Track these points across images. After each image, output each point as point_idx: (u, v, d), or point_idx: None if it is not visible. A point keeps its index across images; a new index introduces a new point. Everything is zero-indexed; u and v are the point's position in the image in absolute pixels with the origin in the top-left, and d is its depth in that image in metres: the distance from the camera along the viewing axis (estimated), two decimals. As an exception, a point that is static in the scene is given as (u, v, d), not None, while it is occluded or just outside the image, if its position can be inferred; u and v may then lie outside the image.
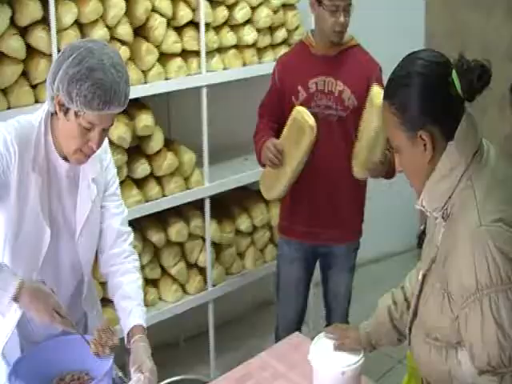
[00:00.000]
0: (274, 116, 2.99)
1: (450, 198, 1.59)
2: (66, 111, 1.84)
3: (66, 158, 1.96)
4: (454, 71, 1.55)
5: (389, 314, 1.99)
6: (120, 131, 2.95)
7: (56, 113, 1.88)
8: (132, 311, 2.09)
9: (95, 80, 1.77)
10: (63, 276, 2.08)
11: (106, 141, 2.07)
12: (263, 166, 2.94)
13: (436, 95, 1.56)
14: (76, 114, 1.82)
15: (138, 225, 3.12)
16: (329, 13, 2.76)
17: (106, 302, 2.95)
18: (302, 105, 2.84)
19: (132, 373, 1.96)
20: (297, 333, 2.49)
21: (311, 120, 2.66)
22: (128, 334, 2.06)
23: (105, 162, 2.11)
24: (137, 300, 2.14)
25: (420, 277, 1.75)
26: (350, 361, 1.99)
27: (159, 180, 3.22)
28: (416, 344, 1.77)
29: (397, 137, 1.62)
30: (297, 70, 2.92)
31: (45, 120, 1.93)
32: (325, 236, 3.03)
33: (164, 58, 3.13)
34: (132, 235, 2.24)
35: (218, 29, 3.32)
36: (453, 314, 1.58)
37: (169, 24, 3.12)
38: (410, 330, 1.81)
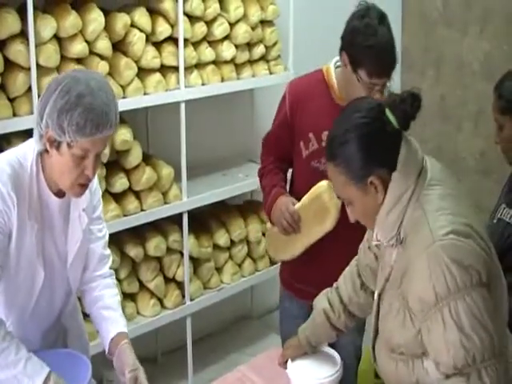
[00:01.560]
0: (283, 153, 2.66)
1: (401, 223, 1.65)
2: (58, 145, 1.83)
3: (57, 194, 1.97)
4: (386, 110, 1.64)
5: (325, 315, 2.09)
6: (98, 145, 2.95)
7: (47, 151, 1.87)
8: (116, 320, 2.12)
9: (85, 105, 1.77)
10: (54, 301, 2.10)
11: None
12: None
13: (375, 141, 1.64)
14: (69, 145, 1.81)
15: (115, 239, 3.11)
16: (362, 84, 2.35)
17: (87, 315, 2.95)
18: (311, 156, 2.54)
19: (127, 374, 1.98)
20: (275, 347, 2.50)
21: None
22: (111, 340, 2.07)
23: (93, 186, 2.11)
24: (119, 311, 2.17)
25: (376, 297, 1.82)
26: (327, 373, 2.01)
27: (137, 194, 3.22)
28: (381, 360, 1.82)
29: (347, 191, 1.69)
30: (312, 112, 2.52)
31: (35, 161, 1.91)
32: None
33: (143, 73, 3.14)
34: (111, 257, 2.28)
35: (196, 44, 3.35)
36: (415, 328, 1.63)
37: (148, 39, 3.13)
38: (374, 347, 1.86)
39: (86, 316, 2.96)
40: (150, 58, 3.13)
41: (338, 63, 2.54)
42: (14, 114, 2.71)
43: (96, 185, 2.15)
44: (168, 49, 3.21)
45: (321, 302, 2.13)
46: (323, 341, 2.15)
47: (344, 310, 2.07)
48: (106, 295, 2.17)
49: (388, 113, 1.64)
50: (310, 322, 2.15)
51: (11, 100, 2.71)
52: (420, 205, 1.63)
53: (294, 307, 2.80)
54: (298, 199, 2.55)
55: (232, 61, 3.52)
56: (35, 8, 2.65)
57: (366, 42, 2.31)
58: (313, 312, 2.15)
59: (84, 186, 1.92)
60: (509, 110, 2.22)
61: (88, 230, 2.11)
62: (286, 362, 2.13)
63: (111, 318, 2.12)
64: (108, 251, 2.25)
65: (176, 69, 3.24)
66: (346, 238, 2.39)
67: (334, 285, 2.14)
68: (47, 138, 1.83)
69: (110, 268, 2.26)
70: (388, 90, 2.36)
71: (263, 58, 3.69)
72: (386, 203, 1.65)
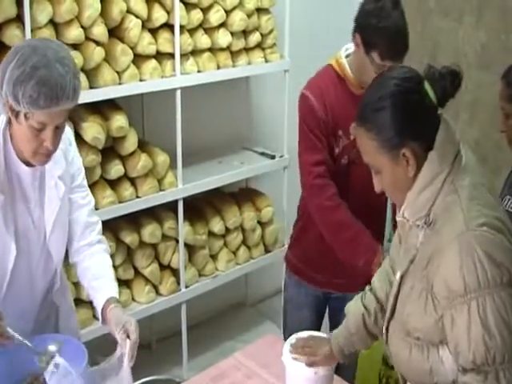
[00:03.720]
0: (331, 169, 2.49)
1: (432, 205, 1.61)
2: (17, 115, 1.81)
3: (28, 164, 1.94)
4: (425, 82, 1.59)
5: (362, 321, 1.98)
6: (94, 132, 2.94)
7: (10, 118, 1.85)
8: (104, 287, 2.08)
9: (39, 78, 1.73)
10: (37, 276, 2.08)
11: (69, 133, 2.06)
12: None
13: (411, 112, 1.59)
14: (25, 116, 1.79)
15: (111, 226, 3.11)
16: (374, 66, 2.34)
17: (79, 302, 2.96)
18: (341, 153, 2.48)
19: (117, 333, 1.95)
20: (269, 334, 2.51)
21: None
22: (102, 309, 2.04)
23: (69, 155, 2.08)
24: (108, 277, 2.13)
25: (398, 277, 1.76)
26: None
27: (133, 181, 3.21)
28: (394, 343, 1.78)
29: (378, 160, 1.63)
30: (338, 109, 2.47)
31: (3, 130, 1.90)
32: (348, 286, 2.60)
33: (138, 59, 3.13)
34: (100, 224, 2.23)
35: (192, 31, 3.33)
36: (437, 314, 1.59)
37: (144, 26, 3.12)
38: (387, 329, 1.81)
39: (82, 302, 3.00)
40: (146, 44, 3.12)
41: (347, 52, 2.52)
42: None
43: (74, 153, 2.11)
44: (164, 35, 3.20)
45: (354, 307, 2.02)
46: (358, 349, 2.05)
47: (381, 310, 1.95)
48: (92, 265, 2.13)
49: (427, 86, 1.59)
50: (343, 329, 2.03)
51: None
52: (455, 189, 1.59)
53: (301, 294, 2.78)
54: None
55: (228, 48, 3.51)
56: (31, -7, 2.63)
57: (380, 24, 2.31)
58: (345, 319, 2.04)
59: (46, 156, 1.89)
60: None
61: (68, 200, 2.08)
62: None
63: (99, 287, 2.08)
64: (95, 218, 2.20)
65: (172, 55, 3.23)
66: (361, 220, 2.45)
67: (367, 287, 2.04)
68: (8, 105, 1.80)
69: (101, 235, 2.22)
70: None
71: (259, 46, 3.68)
72: (419, 181, 1.60)
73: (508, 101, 2.23)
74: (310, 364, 1.98)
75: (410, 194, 1.62)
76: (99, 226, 2.22)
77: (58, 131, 1.86)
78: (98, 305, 2.06)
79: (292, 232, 2.87)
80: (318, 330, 2.66)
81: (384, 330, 1.83)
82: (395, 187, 1.66)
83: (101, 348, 2.10)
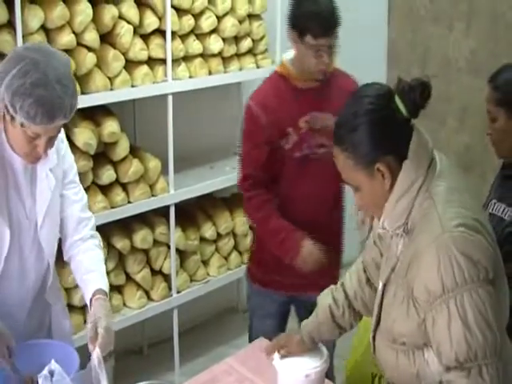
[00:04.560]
0: (268, 179, 2.62)
1: (410, 213, 1.65)
2: (12, 118, 1.82)
3: None
4: (396, 97, 1.63)
5: (330, 312, 2.05)
6: (86, 137, 2.95)
7: (4, 115, 1.86)
8: (93, 280, 2.09)
9: (37, 97, 1.76)
10: (28, 268, 2.08)
11: (61, 131, 2.05)
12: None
13: (384, 128, 1.63)
14: (21, 124, 1.81)
15: (102, 231, 3.09)
16: (312, 52, 2.46)
17: (71, 307, 2.95)
18: (292, 149, 2.57)
19: (88, 326, 1.96)
20: (261, 338, 2.51)
21: None
22: (90, 301, 2.05)
23: (61, 151, 2.10)
24: (98, 271, 2.14)
25: (381, 286, 1.80)
26: (314, 363, 2.02)
27: (124, 187, 3.22)
28: (381, 351, 1.81)
29: (355, 177, 1.68)
30: (284, 109, 2.56)
31: None
32: (311, 286, 2.52)
33: (130, 65, 3.14)
34: (93, 220, 2.24)
35: (184, 37, 3.35)
36: (419, 317, 1.63)
37: (135, 31, 3.13)
38: (374, 337, 1.84)
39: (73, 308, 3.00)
40: (138, 50, 3.13)
41: (289, 57, 2.63)
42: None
43: (65, 149, 2.13)
44: (155, 41, 3.21)
45: (325, 298, 2.09)
46: (326, 338, 2.10)
47: (349, 306, 2.04)
48: (84, 260, 2.14)
49: (397, 100, 1.63)
50: (313, 318, 2.10)
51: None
52: (430, 195, 1.63)
53: (266, 303, 2.82)
54: (287, 195, 2.64)
55: (219, 54, 3.52)
56: (23, -1, 2.64)
57: (307, 9, 2.46)
58: (316, 308, 2.10)
59: (37, 158, 1.92)
60: (504, 102, 2.23)
61: (61, 196, 2.10)
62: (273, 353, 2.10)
63: (89, 280, 2.09)
64: (88, 214, 2.22)
65: (163, 61, 3.24)
66: (316, 216, 2.64)
67: (339, 282, 2.11)
68: (4, 105, 1.81)
69: (94, 231, 2.24)
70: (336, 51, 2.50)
71: (250, 52, 3.70)
72: (395, 191, 1.64)
73: (494, 104, 2.25)
74: (284, 354, 2.06)
75: (387, 204, 1.66)
76: (92, 222, 2.24)
77: (51, 139, 1.89)
78: (87, 297, 2.07)
79: (250, 244, 2.98)
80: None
81: (371, 340, 1.86)
82: (374, 202, 1.70)
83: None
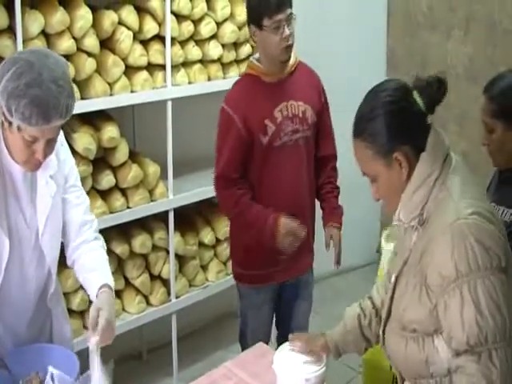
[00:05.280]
0: (244, 175, 2.79)
1: (425, 204, 1.71)
2: (10, 123, 1.82)
3: None
4: (414, 91, 1.72)
5: (358, 321, 2.06)
6: (85, 142, 2.96)
7: (3, 122, 1.87)
8: (98, 277, 2.08)
9: (32, 97, 1.75)
10: (29, 276, 2.07)
11: (61, 134, 2.05)
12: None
13: (401, 119, 1.70)
14: (18, 128, 1.81)
15: (101, 236, 3.11)
16: (272, 31, 2.64)
17: (69, 312, 2.95)
18: (271, 139, 2.74)
19: (90, 314, 1.95)
20: (261, 343, 2.52)
21: None
22: (96, 297, 2.04)
23: (62, 155, 2.09)
24: (103, 270, 2.13)
25: (393, 279, 1.85)
26: (313, 368, 2.02)
27: (124, 192, 3.23)
28: (391, 341, 1.85)
29: (373, 167, 1.74)
30: (258, 105, 2.74)
31: None
32: (296, 268, 2.97)
33: (130, 70, 3.15)
34: (96, 222, 2.24)
35: (183, 43, 3.36)
36: (431, 303, 1.67)
37: (135, 37, 3.14)
38: (384, 331, 1.89)
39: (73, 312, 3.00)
40: (138, 55, 3.14)
41: (255, 57, 2.84)
42: (1, 109, 2.71)
43: (66, 152, 2.13)
44: (155, 47, 3.23)
45: (352, 309, 2.11)
46: (351, 349, 2.09)
47: (376, 315, 2.04)
48: (88, 259, 2.13)
49: (415, 94, 1.71)
50: (340, 327, 2.10)
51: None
52: (446, 187, 1.69)
53: (260, 297, 2.97)
54: (270, 184, 2.80)
55: (219, 60, 3.54)
56: (23, 4, 2.65)
57: (254, 0, 2.68)
58: (343, 318, 2.11)
59: (37, 165, 1.91)
60: (500, 113, 2.21)
61: (62, 200, 2.09)
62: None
63: (94, 278, 2.08)
64: (91, 216, 2.22)
65: (163, 67, 3.25)
66: (293, 199, 2.82)
67: (366, 296, 2.13)
68: (1, 111, 1.81)
69: (98, 233, 2.24)
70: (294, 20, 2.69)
71: (249, 58, 3.70)
72: (412, 182, 1.71)
73: (491, 116, 2.23)
74: (308, 351, 2.07)
75: (404, 195, 1.73)
76: (95, 224, 2.23)
77: (49, 143, 1.88)
78: (92, 293, 2.06)
79: (230, 251, 3.15)
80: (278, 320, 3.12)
81: (381, 333, 1.91)
82: (391, 192, 1.77)
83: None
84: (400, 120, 1.70)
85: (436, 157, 1.71)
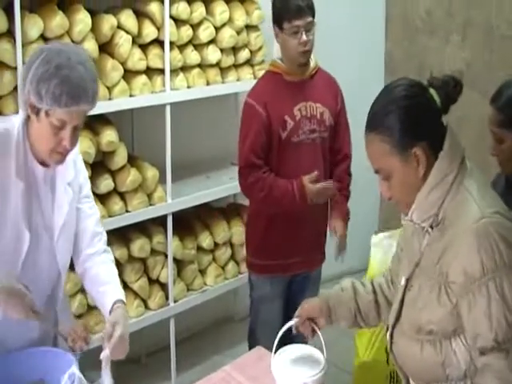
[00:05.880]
0: (266, 161, 2.91)
1: (442, 204, 1.69)
2: (38, 112, 1.86)
3: (42, 163, 1.98)
4: (431, 88, 1.71)
5: (353, 287, 2.07)
6: (84, 146, 2.95)
7: (29, 116, 1.90)
8: (111, 292, 2.11)
9: (62, 77, 1.81)
10: (41, 278, 2.08)
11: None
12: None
13: (420, 113, 1.68)
14: (47, 113, 1.85)
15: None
16: (291, 35, 2.80)
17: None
18: (289, 134, 2.88)
19: (106, 326, 1.98)
20: (259, 346, 2.52)
21: None
22: (109, 312, 2.05)
23: (77, 164, 2.14)
24: (115, 283, 2.17)
25: (403, 282, 1.83)
26: (311, 372, 2.02)
27: (122, 196, 3.23)
28: (402, 345, 1.83)
29: (389, 163, 1.69)
30: (279, 101, 2.89)
31: (22, 128, 1.94)
32: (309, 263, 3.13)
33: (129, 75, 3.16)
34: (105, 235, 2.27)
35: (182, 47, 3.37)
36: (451, 303, 1.66)
37: (134, 41, 3.15)
38: (392, 336, 1.87)
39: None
40: (136, 60, 3.15)
41: (279, 55, 2.99)
42: (0, 113, 2.72)
43: (80, 163, 2.17)
44: (154, 51, 3.23)
45: (350, 279, 2.12)
46: (342, 311, 2.05)
47: (373, 292, 2.06)
48: (100, 272, 2.16)
49: (432, 91, 1.70)
50: (335, 291, 2.09)
51: (-3, 98, 2.72)
52: (464, 188, 1.68)
53: (273, 287, 3.08)
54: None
55: (217, 64, 3.55)
56: (22, 7, 2.66)
57: (280, 2, 2.84)
58: (340, 284, 2.12)
59: (63, 155, 1.94)
60: (509, 123, 2.20)
61: (77, 209, 2.12)
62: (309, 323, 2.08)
63: (107, 292, 2.11)
64: (101, 228, 2.25)
65: (162, 71, 3.26)
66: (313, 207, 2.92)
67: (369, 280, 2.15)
68: (29, 103, 1.86)
69: (107, 245, 2.26)
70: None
71: (248, 63, 3.72)
72: (429, 181, 1.68)
73: (499, 126, 2.22)
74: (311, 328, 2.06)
75: (419, 194, 1.70)
76: (105, 236, 2.27)
77: (75, 132, 1.92)
78: (106, 308, 2.08)
79: (245, 241, 3.23)
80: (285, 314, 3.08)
81: (388, 337, 1.89)
82: (405, 190, 1.73)
83: (90, 362, 2.11)
84: (418, 115, 1.68)
85: (454, 157, 1.69)
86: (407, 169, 1.69)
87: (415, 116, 1.67)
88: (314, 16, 2.82)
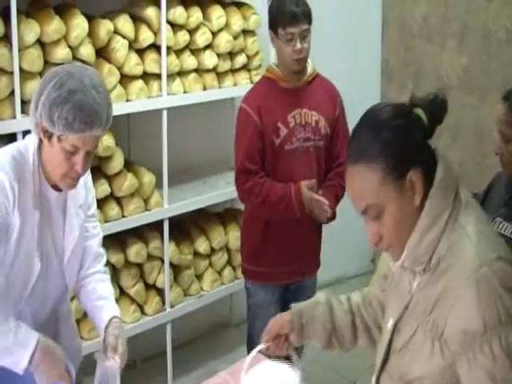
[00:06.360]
0: (261, 166, 2.87)
1: (436, 247, 1.49)
2: (50, 137, 1.84)
3: (54, 187, 1.97)
4: (418, 108, 1.52)
5: (328, 304, 1.89)
6: (80, 151, 2.95)
7: (41, 140, 1.88)
8: (108, 307, 2.13)
9: (75, 102, 1.78)
10: (48, 297, 2.09)
11: None
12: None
13: (411, 135, 1.49)
14: (59, 139, 1.82)
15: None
16: (285, 42, 2.77)
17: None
18: (283, 142, 2.85)
19: (110, 338, 2.00)
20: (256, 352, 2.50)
21: None
22: (106, 327, 2.07)
23: (88, 184, 2.14)
24: (111, 300, 2.18)
25: (390, 325, 1.64)
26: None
27: (119, 201, 3.22)
28: None
29: (382, 195, 1.47)
30: (273, 107, 2.86)
31: (36, 152, 1.92)
32: (303, 270, 3.08)
33: (125, 79, 3.15)
34: (105, 256, 2.29)
35: (179, 52, 3.37)
36: (444, 361, 1.47)
37: (131, 46, 3.15)
38: (378, 379, 1.70)
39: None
40: (133, 64, 3.15)
41: (275, 62, 2.99)
42: (-3, 118, 2.71)
43: (90, 182, 2.17)
44: (151, 56, 3.23)
45: (324, 295, 1.94)
46: (315, 326, 1.86)
47: (350, 312, 1.88)
48: (98, 288, 2.18)
49: (420, 111, 1.51)
50: (309, 306, 1.91)
51: (-6, 103, 2.71)
52: (460, 226, 1.48)
53: (268, 295, 3.05)
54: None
55: (214, 69, 3.55)
56: (19, 12, 2.66)
57: (275, 7, 2.83)
58: (314, 298, 1.95)
59: (74, 180, 1.93)
60: None
61: (84, 228, 2.12)
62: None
63: (104, 306, 2.13)
64: (102, 249, 2.27)
65: (158, 76, 3.26)
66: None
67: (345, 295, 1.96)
68: (41, 127, 1.84)
69: (105, 265, 2.28)
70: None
71: (245, 68, 3.72)
72: (421, 223, 1.48)
73: (510, 125, 2.12)
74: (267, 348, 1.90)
75: (410, 240, 1.50)
76: (105, 257, 2.29)
77: (88, 156, 1.89)
78: (103, 321, 2.09)
79: (240, 248, 3.21)
80: None
81: (374, 381, 1.72)
82: (399, 227, 1.50)
83: (83, 368, 2.15)
84: (411, 136, 1.48)
85: (447, 191, 1.49)
86: (403, 199, 1.47)
87: (407, 137, 1.48)
88: (310, 23, 2.79)
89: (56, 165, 1.88)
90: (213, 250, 3.73)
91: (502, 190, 2.31)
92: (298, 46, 2.75)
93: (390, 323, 1.64)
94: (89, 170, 2.14)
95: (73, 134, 1.81)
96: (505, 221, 2.20)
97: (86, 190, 2.12)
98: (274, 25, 2.81)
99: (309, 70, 2.92)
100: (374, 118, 1.53)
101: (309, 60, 2.91)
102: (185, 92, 3.42)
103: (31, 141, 1.95)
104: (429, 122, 1.51)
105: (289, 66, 2.83)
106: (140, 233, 3.41)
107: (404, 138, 1.48)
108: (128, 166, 3.26)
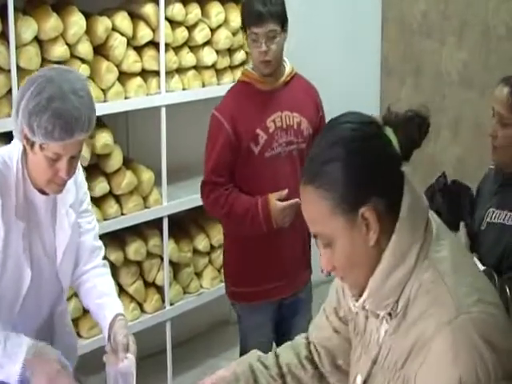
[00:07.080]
0: (232, 178, 2.72)
1: (403, 288, 1.27)
2: (32, 145, 1.81)
3: (42, 191, 1.95)
4: (387, 128, 1.30)
5: (251, 371, 1.62)
6: (79, 149, 2.94)
7: (24, 147, 1.86)
8: (110, 305, 2.09)
9: (54, 110, 1.73)
10: (43, 299, 2.07)
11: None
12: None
13: (372, 162, 1.26)
14: (41, 147, 1.79)
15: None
16: (251, 43, 2.64)
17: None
18: (263, 149, 2.69)
19: (119, 337, 1.96)
20: (255, 350, 2.49)
21: None
22: (110, 325, 2.03)
23: (78, 179, 2.09)
24: (113, 296, 2.15)
25: (359, 382, 1.42)
26: None
27: (118, 198, 3.21)
28: None
29: (330, 225, 1.27)
30: (250, 114, 2.70)
31: (21, 158, 1.90)
32: (293, 285, 2.88)
33: (124, 77, 3.14)
34: (103, 249, 2.26)
35: (177, 49, 3.36)
36: None
37: (129, 43, 3.14)
38: None
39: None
40: (131, 62, 3.13)
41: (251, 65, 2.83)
42: (-6, 116, 2.70)
43: (81, 178, 2.13)
44: (149, 53, 3.22)
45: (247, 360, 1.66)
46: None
47: (280, 375, 1.61)
48: (98, 284, 2.14)
49: (388, 131, 1.29)
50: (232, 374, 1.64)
51: (-9, 101, 2.70)
52: (431, 264, 1.26)
53: (259, 316, 2.87)
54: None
55: (213, 66, 3.54)
56: (16, 10, 2.65)
57: (244, 6, 2.73)
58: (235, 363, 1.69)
59: (60, 185, 1.90)
60: None
61: (76, 226, 2.09)
62: None
63: (106, 304, 2.09)
64: (99, 243, 2.23)
65: (157, 73, 3.25)
66: (293, 224, 2.68)
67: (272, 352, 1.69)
68: (23, 134, 1.81)
69: (104, 259, 2.25)
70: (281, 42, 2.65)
71: (244, 64, 3.70)
72: (386, 261, 1.26)
73: (510, 110, 2.07)
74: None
75: (372, 279, 1.28)
76: (103, 251, 2.25)
77: (72, 161, 1.86)
78: (106, 319, 2.05)
79: (223, 269, 3.06)
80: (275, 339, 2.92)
81: None
82: (350, 262, 1.30)
83: (82, 367, 2.15)
84: (369, 164, 1.24)
85: (416, 224, 1.27)
86: (354, 234, 1.25)
87: (365, 166, 1.24)
88: (281, 24, 2.63)
89: (40, 172, 1.86)
90: (212, 248, 3.72)
91: (491, 183, 2.31)
92: (263, 47, 2.59)
93: (359, 381, 1.42)
94: (79, 166, 2.11)
95: (53, 143, 1.77)
96: (497, 209, 2.20)
97: (77, 186, 2.07)
98: (243, 24, 2.71)
99: (287, 70, 2.77)
100: (333, 132, 1.31)
101: (286, 59, 2.77)
102: (183, 89, 3.41)
103: (16, 147, 1.92)
104: (402, 145, 1.29)
105: (257, 67, 2.70)
106: (139, 230, 3.40)
107: (361, 166, 1.25)
108: (127, 163, 3.25)
